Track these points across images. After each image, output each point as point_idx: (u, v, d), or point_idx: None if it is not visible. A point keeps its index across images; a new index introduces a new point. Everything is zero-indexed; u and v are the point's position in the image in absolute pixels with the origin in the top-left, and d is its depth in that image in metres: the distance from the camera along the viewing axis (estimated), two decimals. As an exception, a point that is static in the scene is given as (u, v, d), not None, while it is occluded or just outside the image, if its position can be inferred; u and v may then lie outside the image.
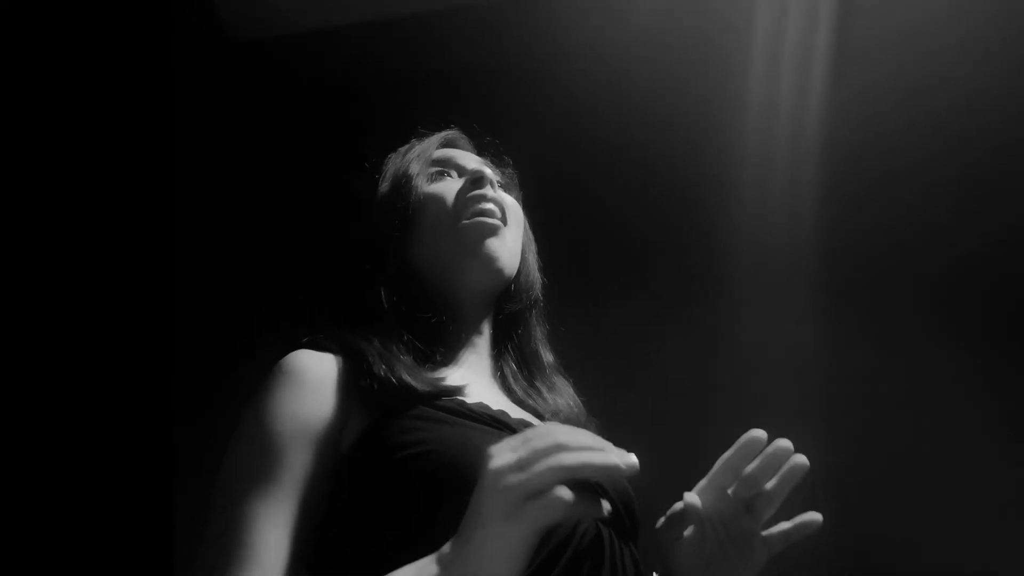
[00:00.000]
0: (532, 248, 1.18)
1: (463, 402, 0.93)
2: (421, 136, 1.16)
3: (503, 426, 0.91)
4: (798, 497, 1.61)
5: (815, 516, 0.99)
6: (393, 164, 1.12)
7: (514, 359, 1.11)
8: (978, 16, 1.75)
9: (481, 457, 0.80)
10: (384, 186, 1.09)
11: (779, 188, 1.78)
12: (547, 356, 1.15)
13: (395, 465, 0.87)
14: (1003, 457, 1.55)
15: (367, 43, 1.99)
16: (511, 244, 1.07)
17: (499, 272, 1.06)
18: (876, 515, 1.56)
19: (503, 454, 0.74)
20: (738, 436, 1.01)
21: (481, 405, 0.94)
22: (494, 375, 1.08)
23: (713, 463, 1.03)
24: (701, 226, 1.80)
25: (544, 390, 1.10)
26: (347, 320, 1.03)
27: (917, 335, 1.64)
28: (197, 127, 1.87)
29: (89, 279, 1.19)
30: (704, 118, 1.82)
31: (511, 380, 1.08)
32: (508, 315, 1.11)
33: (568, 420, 1.07)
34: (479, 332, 1.09)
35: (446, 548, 0.76)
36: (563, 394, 1.11)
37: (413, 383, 0.92)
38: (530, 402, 1.06)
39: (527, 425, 0.93)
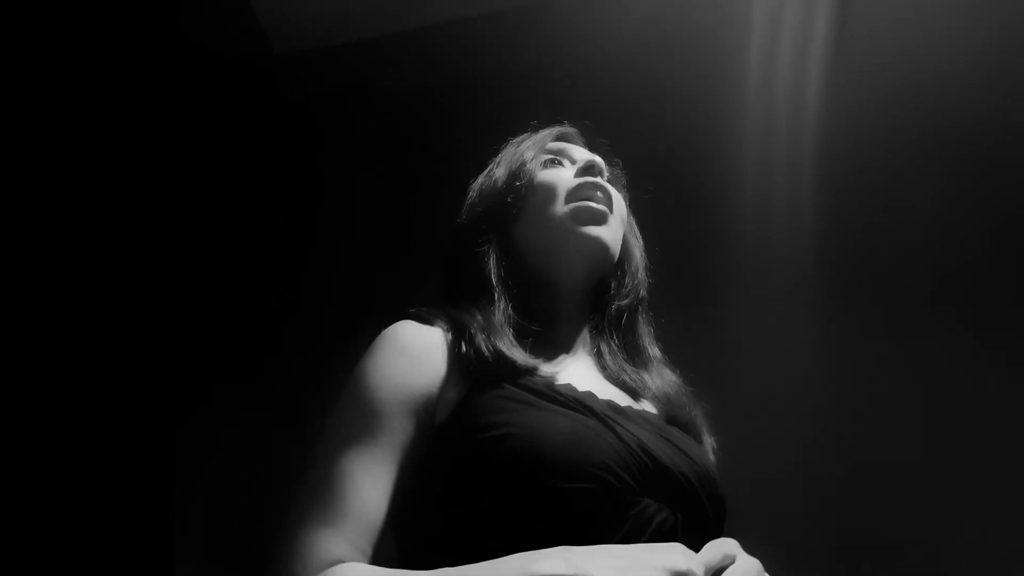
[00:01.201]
0: (639, 246, 1.21)
1: (551, 383, 0.95)
2: (535, 128, 1.21)
3: (587, 409, 0.93)
4: (800, 491, 1.61)
5: None
6: (508, 151, 1.17)
7: (613, 339, 1.13)
8: (974, 7, 1.74)
9: (558, 442, 0.83)
10: (499, 170, 1.14)
11: (779, 185, 1.78)
12: (653, 350, 1.17)
13: (479, 444, 0.90)
14: (1007, 452, 1.54)
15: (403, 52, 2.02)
16: (614, 233, 1.11)
17: (600, 255, 1.10)
18: (879, 510, 1.56)
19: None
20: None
21: (568, 387, 0.95)
22: (591, 352, 1.11)
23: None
24: (699, 223, 1.80)
25: (644, 373, 1.11)
26: (453, 295, 1.07)
27: (921, 331, 1.64)
28: (243, 139, 1.90)
29: (103, 279, 1.19)
30: (702, 115, 1.82)
31: (607, 357, 1.10)
32: (616, 309, 1.14)
33: (662, 399, 1.09)
34: (579, 313, 1.12)
35: None
36: (663, 376, 1.13)
37: (510, 355, 0.95)
38: (624, 379, 1.08)
39: (612, 407, 0.95)
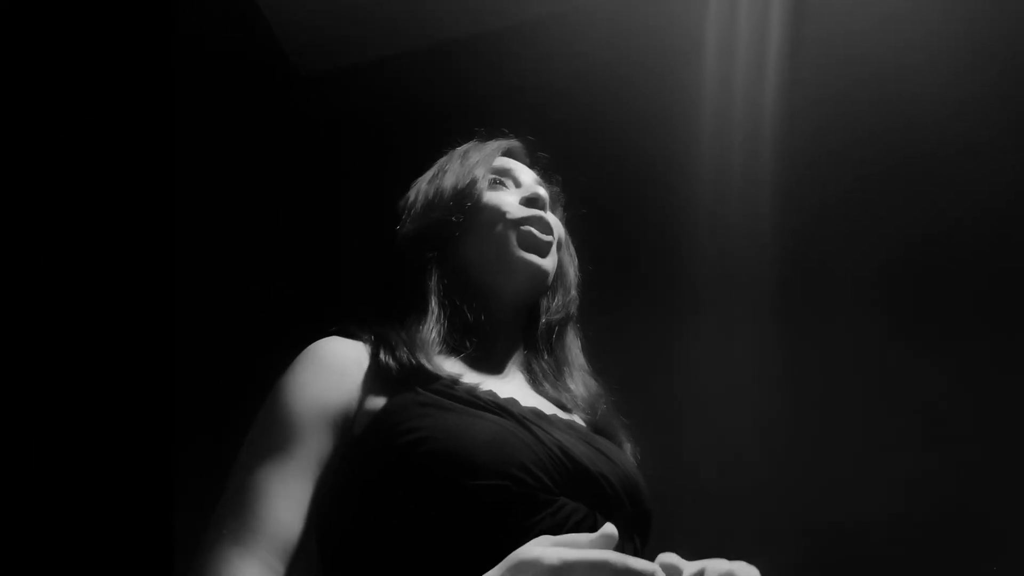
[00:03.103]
0: (574, 264, 1.24)
1: (472, 390, 0.95)
2: (481, 137, 1.22)
3: (506, 413, 0.94)
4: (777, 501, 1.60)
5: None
6: (455, 163, 1.18)
7: (544, 356, 1.15)
8: (931, 8, 1.75)
9: (475, 443, 0.82)
10: (446, 183, 1.15)
11: (733, 191, 1.79)
12: (581, 362, 1.19)
13: (397, 449, 0.92)
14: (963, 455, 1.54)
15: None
16: (553, 261, 1.14)
17: (539, 280, 1.14)
18: (829, 519, 1.56)
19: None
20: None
21: (490, 393, 0.96)
22: (523, 368, 1.12)
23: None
24: (657, 229, 1.80)
25: (571, 385, 1.13)
26: (387, 308, 1.07)
27: (873, 334, 1.63)
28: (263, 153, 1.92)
29: (108, 279, 1.19)
30: (656, 126, 1.83)
31: (539, 373, 1.12)
32: (546, 324, 1.16)
33: (589, 411, 1.10)
34: (513, 330, 1.14)
35: None
36: (588, 388, 1.14)
37: (430, 367, 0.95)
38: (554, 393, 1.10)
39: (536, 412, 0.96)
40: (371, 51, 2.07)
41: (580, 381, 1.16)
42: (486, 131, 1.25)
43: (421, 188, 1.19)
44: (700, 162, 1.80)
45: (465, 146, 1.23)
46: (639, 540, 0.97)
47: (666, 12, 1.88)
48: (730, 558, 0.89)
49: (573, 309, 1.23)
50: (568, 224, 1.29)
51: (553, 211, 1.21)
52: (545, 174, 1.26)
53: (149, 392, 1.30)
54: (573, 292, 1.23)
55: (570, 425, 1.00)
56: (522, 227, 1.11)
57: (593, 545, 0.76)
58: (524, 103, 1.89)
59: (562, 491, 0.91)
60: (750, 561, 0.90)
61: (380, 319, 1.05)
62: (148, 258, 1.20)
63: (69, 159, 1.05)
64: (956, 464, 1.51)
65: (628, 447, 1.13)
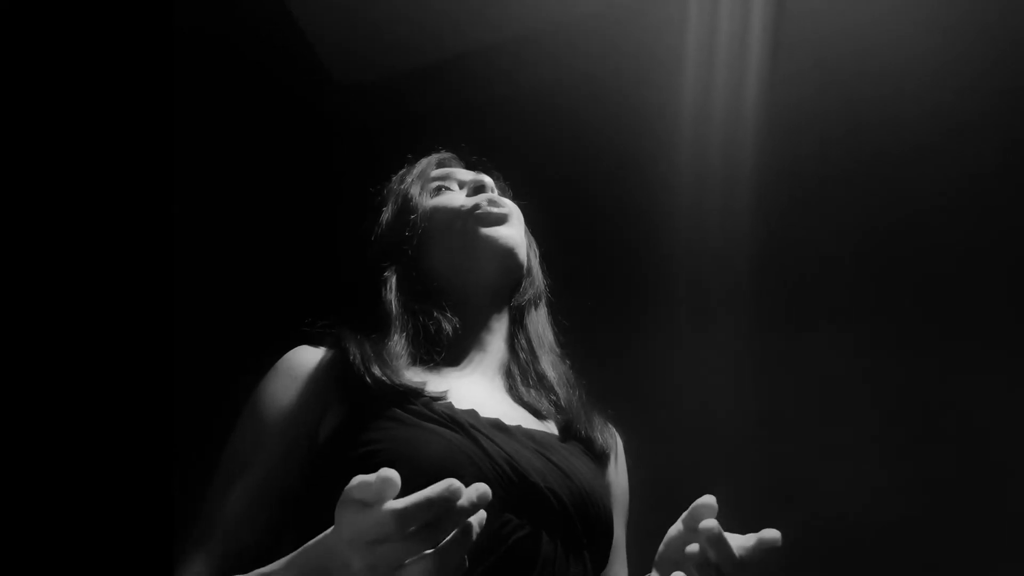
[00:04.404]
0: (534, 246, 1.24)
1: (430, 403, 0.96)
2: (412, 162, 1.24)
3: (456, 425, 0.94)
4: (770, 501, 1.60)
5: (773, 534, 0.93)
6: (394, 189, 1.19)
7: (521, 356, 1.15)
8: (910, 9, 1.74)
9: (419, 456, 0.84)
10: (388, 212, 1.16)
11: (713, 193, 1.79)
12: (550, 340, 1.19)
13: (353, 462, 0.91)
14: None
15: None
16: (518, 233, 1.14)
17: (512, 259, 1.13)
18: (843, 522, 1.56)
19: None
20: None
21: (446, 406, 0.97)
22: (502, 374, 1.12)
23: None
24: (632, 232, 1.80)
25: (549, 389, 1.13)
26: (354, 324, 1.08)
27: (856, 338, 1.63)
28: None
29: (101, 277, 1.20)
30: (635, 124, 1.83)
31: (517, 379, 1.12)
32: (517, 308, 1.17)
33: (566, 416, 1.10)
34: (489, 331, 1.14)
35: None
36: (560, 375, 1.13)
37: (390, 381, 0.96)
38: (529, 399, 1.09)
39: (495, 424, 0.96)
40: (403, 61, 2.07)
41: (549, 363, 1.16)
42: (414, 157, 1.28)
43: (376, 227, 1.24)
44: (679, 167, 1.81)
45: (400, 172, 1.26)
46: (589, 556, 0.97)
47: (648, 20, 1.88)
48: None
49: (540, 288, 1.23)
50: (554, 228, 1.30)
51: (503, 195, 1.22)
52: (487, 172, 1.28)
53: (149, 392, 1.30)
54: (538, 271, 1.24)
55: (530, 436, 1.00)
56: (476, 211, 1.13)
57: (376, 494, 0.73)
58: (530, 111, 1.90)
59: (506, 507, 0.91)
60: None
61: (351, 329, 1.07)
62: (156, 262, 1.21)
63: (91, 162, 1.06)
64: (954, 464, 1.52)
65: (609, 441, 1.12)
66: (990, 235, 1.66)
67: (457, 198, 1.19)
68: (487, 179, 1.21)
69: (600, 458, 1.13)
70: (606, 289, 1.81)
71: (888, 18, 1.79)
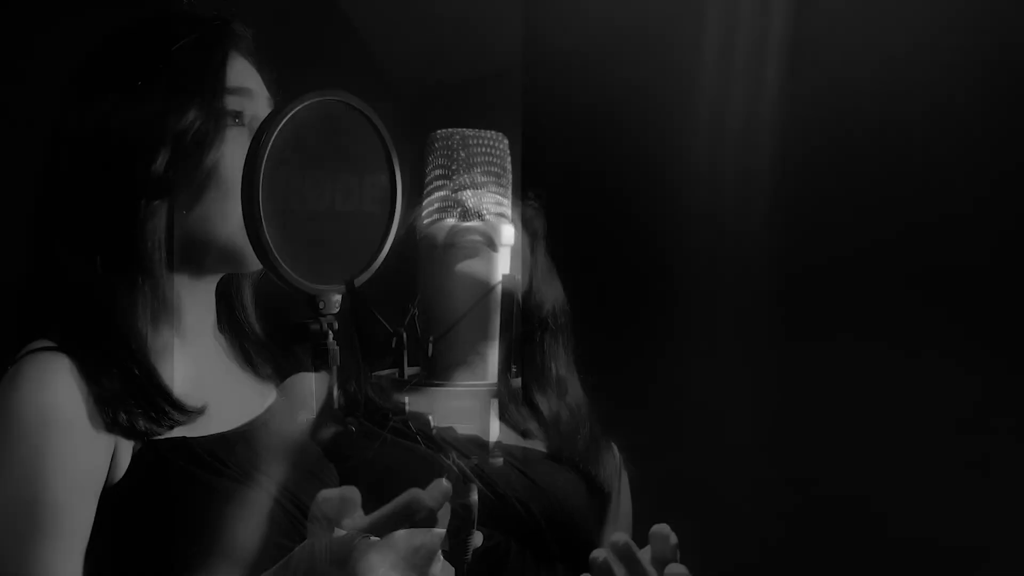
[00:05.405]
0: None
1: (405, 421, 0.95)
2: None
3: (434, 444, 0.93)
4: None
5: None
6: None
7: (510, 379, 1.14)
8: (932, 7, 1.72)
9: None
10: None
11: (730, 195, 1.78)
12: (565, 377, 1.18)
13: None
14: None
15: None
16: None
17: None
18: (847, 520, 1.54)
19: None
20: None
21: (424, 423, 0.95)
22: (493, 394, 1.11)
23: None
24: (649, 234, 1.79)
25: (542, 405, 1.12)
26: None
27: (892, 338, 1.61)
28: None
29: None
30: (652, 124, 1.82)
31: (509, 399, 1.11)
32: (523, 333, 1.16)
33: (557, 433, 1.09)
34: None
35: None
36: (568, 408, 1.17)
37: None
38: (517, 419, 1.09)
39: (474, 442, 0.95)
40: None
41: (560, 404, 1.13)
42: None
43: None
44: (691, 175, 1.80)
45: None
46: (563, 568, 0.96)
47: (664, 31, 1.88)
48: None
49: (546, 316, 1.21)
50: (566, 234, 1.29)
51: None
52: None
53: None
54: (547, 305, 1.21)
55: (509, 452, 0.99)
56: None
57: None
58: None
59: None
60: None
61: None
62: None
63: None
64: (957, 463, 1.51)
65: (612, 481, 1.10)
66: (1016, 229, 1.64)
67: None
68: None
69: (599, 491, 1.11)
70: (619, 296, 1.80)
71: (909, 27, 1.77)
